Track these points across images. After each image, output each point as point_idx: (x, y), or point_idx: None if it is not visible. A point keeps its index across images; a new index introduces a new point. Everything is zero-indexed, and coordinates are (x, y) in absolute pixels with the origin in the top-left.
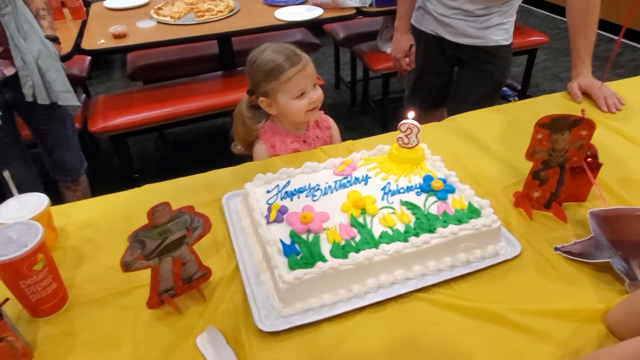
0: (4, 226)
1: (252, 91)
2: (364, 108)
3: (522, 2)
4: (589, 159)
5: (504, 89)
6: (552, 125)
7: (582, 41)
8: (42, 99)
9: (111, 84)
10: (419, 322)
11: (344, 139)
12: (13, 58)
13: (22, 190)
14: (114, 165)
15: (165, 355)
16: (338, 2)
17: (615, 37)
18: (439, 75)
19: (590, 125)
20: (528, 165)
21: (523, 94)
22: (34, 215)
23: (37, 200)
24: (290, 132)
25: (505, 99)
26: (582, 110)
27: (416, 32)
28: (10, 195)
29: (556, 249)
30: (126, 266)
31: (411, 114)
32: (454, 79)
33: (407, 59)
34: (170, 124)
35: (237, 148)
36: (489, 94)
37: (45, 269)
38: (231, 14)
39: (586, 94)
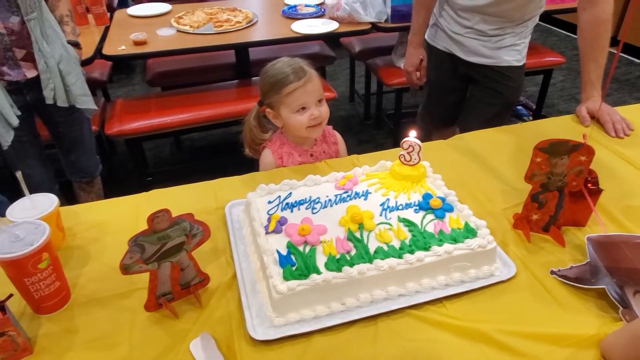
0: (13, 224)
1: (261, 102)
2: (377, 122)
3: (542, 22)
4: (590, 185)
5: (519, 108)
6: (551, 149)
7: (592, 65)
8: (62, 102)
9: (131, 88)
10: (409, 338)
11: (355, 152)
12: (36, 61)
13: (37, 189)
14: (129, 168)
15: (158, 358)
16: (354, 17)
17: (636, 60)
18: (451, 92)
19: (590, 151)
20: (530, 188)
21: (538, 114)
22: (43, 215)
23: (48, 201)
24: (297, 145)
25: (519, 118)
26: (584, 135)
27: (429, 48)
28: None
29: (552, 272)
30: (125, 269)
31: (413, 132)
32: (467, 96)
33: (418, 73)
34: (186, 129)
35: (246, 151)
36: (499, 114)
37: (49, 267)
38: (249, 25)
39: (595, 118)
